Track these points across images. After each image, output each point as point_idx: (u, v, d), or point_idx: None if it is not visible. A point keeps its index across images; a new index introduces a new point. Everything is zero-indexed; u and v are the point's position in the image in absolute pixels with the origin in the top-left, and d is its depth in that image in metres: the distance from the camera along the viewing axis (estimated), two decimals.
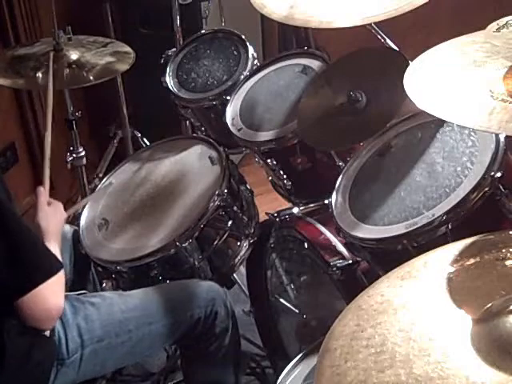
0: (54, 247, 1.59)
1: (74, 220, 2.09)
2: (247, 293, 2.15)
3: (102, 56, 2.24)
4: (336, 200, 1.67)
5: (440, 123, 1.59)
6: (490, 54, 1.19)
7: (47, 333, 1.54)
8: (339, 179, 1.71)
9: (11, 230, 1.41)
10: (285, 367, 1.53)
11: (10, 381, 1.50)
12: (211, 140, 2.07)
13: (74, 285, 1.84)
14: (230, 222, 1.92)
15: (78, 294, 1.72)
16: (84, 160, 2.46)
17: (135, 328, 1.67)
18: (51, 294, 1.47)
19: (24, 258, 1.43)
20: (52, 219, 1.67)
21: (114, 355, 1.67)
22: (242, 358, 1.99)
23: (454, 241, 1.05)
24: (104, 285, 2.03)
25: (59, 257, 1.58)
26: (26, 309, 1.44)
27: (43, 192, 1.74)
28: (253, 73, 2.18)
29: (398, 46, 1.89)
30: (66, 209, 1.80)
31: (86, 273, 1.97)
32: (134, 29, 3.06)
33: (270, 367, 2.16)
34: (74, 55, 2.22)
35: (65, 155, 2.44)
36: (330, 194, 1.69)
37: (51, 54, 2.15)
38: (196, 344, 1.80)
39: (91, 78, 2.16)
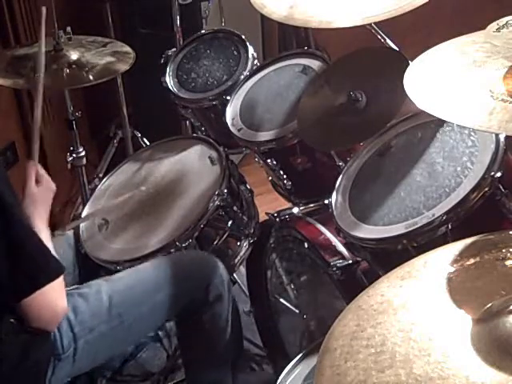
0: (44, 234, 1.56)
1: (73, 220, 2.09)
2: (247, 293, 2.15)
3: (101, 56, 2.24)
4: (336, 200, 1.67)
5: (440, 123, 1.59)
6: (490, 54, 1.19)
7: None
8: (339, 179, 1.71)
9: (15, 233, 1.40)
10: (285, 367, 1.53)
11: (8, 379, 1.50)
12: (211, 140, 2.08)
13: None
14: (229, 222, 1.92)
15: (71, 290, 1.71)
16: (84, 160, 2.46)
17: (125, 311, 1.65)
18: (57, 295, 1.47)
19: (27, 261, 1.42)
20: (40, 203, 1.63)
21: (108, 342, 1.65)
22: (242, 332, 1.96)
23: (454, 241, 1.05)
24: None
25: (51, 247, 1.55)
26: (33, 310, 1.44)
27: (32, 170, 1.68)
28: (253, 73, 2.18)
29: (398, 46, 1.89)
30: (66, 211, 1.78)
31: (89, 275, 1.96)
32: (133, 29, 3.06)
33: (270, 367, 2.16)
34: (74, 55, 2.22)
35: (65, 155, 2.44)
36: (330, 194, 1.69)
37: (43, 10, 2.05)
38: (191, 315, 1.78)
39: (91, 78, 2.16)
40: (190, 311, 1.77)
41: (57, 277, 1.46)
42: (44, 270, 1.45)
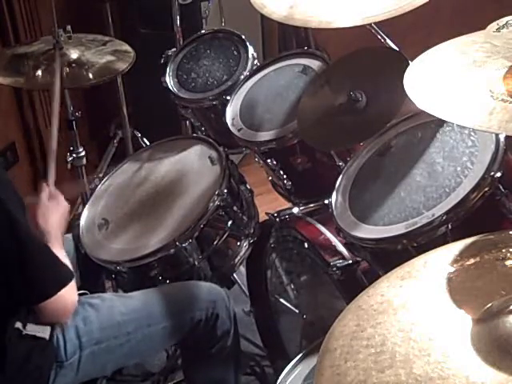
0: (55, 246, 1.59)
1: (74, 220, 2.09)
2: (247, 293, 2.15)
3: (101, 55, 2.24)
4: (336, 200, 1.67)
5: (440, 123, 1.59)
6: (490, 54, 1.19)
7: (47, 336, 1.55)
8: (339, 179, 1.71)
9: (25, 245, 1.43)
10: (285, 367, 1.53)
11: (11, 383, 1.50)
12: (211, 140, 2.08)
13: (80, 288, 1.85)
14: (229, 222, 1.92)
15: (79, 295, 1.72)
16: (84, 160, 2.46)
17: (134, 330, 1.67)
18: (68, 296, 1.51)
19: (38, 272, 1.45)
20: (52, 215, 1.68)
21: (113, 357, 1.67)
22: (242, 358, 1.99)
23: (453, 241, 1.05)
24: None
25: (63, 255, 1.59)
26: (44, 311, 1.49)
27: (45, 188, 1.74)
28: (253, 73, 2.18)
29: (398, 46, 1.89)
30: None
31: (90, 275, 1.96)
32: (133, 29, 3.07)
33: (270, 367, 2.16)
34: (74, 54, 2.21)
35: (65, 155, 2.44)
36: (330, 194, 1.69)
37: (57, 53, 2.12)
38: (197, 346, 1.80)
39: (91, 76, 2.16)
40: (196, 343, 1.80)
41: (66, 284, 1.49)
42: (54, 279, 1.48)
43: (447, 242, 1.07)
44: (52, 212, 1.68)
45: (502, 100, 1.08)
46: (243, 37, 2.30)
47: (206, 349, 1.80)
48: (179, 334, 1.76)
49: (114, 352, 1.66)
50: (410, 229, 1.45)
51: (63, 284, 1.49)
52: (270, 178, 2.15)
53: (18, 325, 1.52)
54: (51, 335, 1.56)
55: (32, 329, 1.53)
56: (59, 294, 1.47)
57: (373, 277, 1.37)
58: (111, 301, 1.71)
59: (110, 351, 1.65)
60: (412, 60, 1.35)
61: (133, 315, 1.69)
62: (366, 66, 1.81)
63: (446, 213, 1.41)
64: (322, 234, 1.75)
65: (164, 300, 1.74)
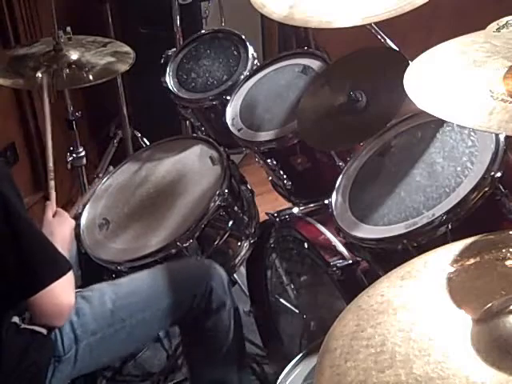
0: None
1: (74, 220, 2.08)
2: (247, 293, 2.15)
3: (102, 56, 2.24)
4: (336, 200, 1.67)
5: (440, 123, 1.60)
6: (490, 54, 1.19)
7: (44, 331, 1.55)
8: (339, 179, 1.71)
9: (21, 232, 1.43)
10: (285, 367, 1.53)
11: (7, 379, 1.50)
12: (211, 140, 2.08)
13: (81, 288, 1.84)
14: (230, 222, 1.92)
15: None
16: (84, 160, 2.46)
17: (128, 316, 1.66)
18: (62, 291, 1.49)
19: (34, 259, 1.45)
20: (57, 230, 1.69)
21: (110, 346, 1.66)
22: (245, 347, 1.97)
23: (453, 241, 1.05)
24: None
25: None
26: (37, 306, 1.47)
27: (49, 206, 1.77)
28: (253, 73, 2.18)
29: (397, 46, 1.89)
30: (67, 211, 1.81)
31: (92, 276, 1.96)
32: (133, 29, 3.06)
33: (270, 367, 2.15)
34: (74, 55, 2.22)
35: (65, 155, 2.44)
36: (330, 193, 1.69)
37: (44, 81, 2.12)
38: (194, 322, 1.78)
39: (91, 78, 2.16)
40: (193, 318, 1.78)
41: (63, 275, 1.48)
42: (50, 268, 1.47)
43: (447, 242, 1.07)
44: (56, 228, 1.70)
45: (502, 100, 1.08)
46: (243, 37, 2.30)
47: (201, 323, 1.78)
48: (175, 316, 1.74)
49: (110, 340, 1.65)
50: (410, 229, 1.45)
51: (59, 273, 1.47)
52: (270, 178, 2.15)
53: (16, 319, 1.52)
54: (49, 330, 1.56)
55: (30, 323, 1.53)
56: (53, 286, 1.45)
57: (373, 277, 1.37)
58: (101, 289, 1.70)
59: (106, 340, 1.64)
60: (412, 60, 1.35)
61: (124, 301, 1.68)
62: (365, 66, 1.81)
63: (446, 213, 1.41)
64: (322, 233, 1.75)
65: (156, 283, 1.73)
